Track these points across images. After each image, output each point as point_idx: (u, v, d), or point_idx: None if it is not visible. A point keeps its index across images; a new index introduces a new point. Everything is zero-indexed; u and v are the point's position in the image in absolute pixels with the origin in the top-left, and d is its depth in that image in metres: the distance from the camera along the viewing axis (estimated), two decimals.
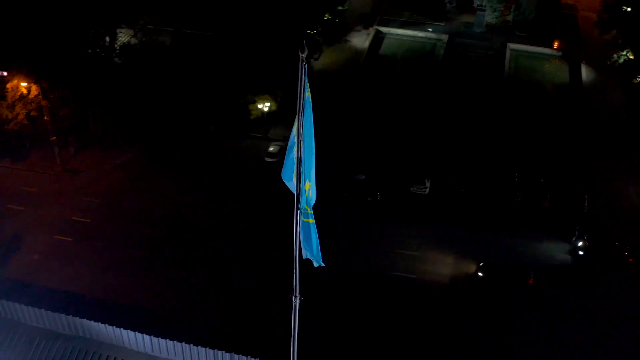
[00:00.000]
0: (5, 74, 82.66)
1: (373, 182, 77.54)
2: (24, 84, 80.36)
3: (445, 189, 77.02)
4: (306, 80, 18.25)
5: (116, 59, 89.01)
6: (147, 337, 53.01)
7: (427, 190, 76.23)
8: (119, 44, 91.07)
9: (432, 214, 74.58)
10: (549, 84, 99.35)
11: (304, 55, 17.82)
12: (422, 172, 77.45)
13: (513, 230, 72.41)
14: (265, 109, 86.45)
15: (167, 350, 52.82)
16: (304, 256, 20.45)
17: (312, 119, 18.73)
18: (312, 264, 20.74)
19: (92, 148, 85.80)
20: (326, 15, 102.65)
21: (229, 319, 62.11)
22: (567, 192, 76.23)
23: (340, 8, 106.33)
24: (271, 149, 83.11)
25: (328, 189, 76.08)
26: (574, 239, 69.11)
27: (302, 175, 19.16)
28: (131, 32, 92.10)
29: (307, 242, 20.05)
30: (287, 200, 20.02)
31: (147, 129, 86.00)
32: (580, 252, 68.30)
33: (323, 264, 20.49)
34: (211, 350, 51.30)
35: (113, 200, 77.75)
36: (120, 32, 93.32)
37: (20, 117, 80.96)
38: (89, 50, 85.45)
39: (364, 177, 78.18)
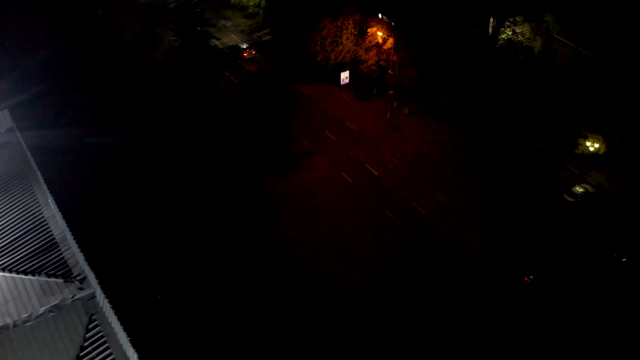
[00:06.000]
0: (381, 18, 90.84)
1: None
2: (380, 34, 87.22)
3: None
4: None
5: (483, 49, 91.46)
6: None
7: None
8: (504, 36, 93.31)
9: None
10: None
11: None
12: None
13: None
14: (592, 149, 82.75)
15: None
16: None
17: None
18: None
19: (424, 115, 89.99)
20: None
21: None
22: None
23: None
24: (577, 189, 79.82)
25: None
26: None
27: None
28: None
29: None
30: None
31: (482, 121, 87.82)
32: None
33: None
34: None
35: (409, 169, 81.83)
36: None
37: (371, 62, 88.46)
38: (474, 31, 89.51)
39: None
